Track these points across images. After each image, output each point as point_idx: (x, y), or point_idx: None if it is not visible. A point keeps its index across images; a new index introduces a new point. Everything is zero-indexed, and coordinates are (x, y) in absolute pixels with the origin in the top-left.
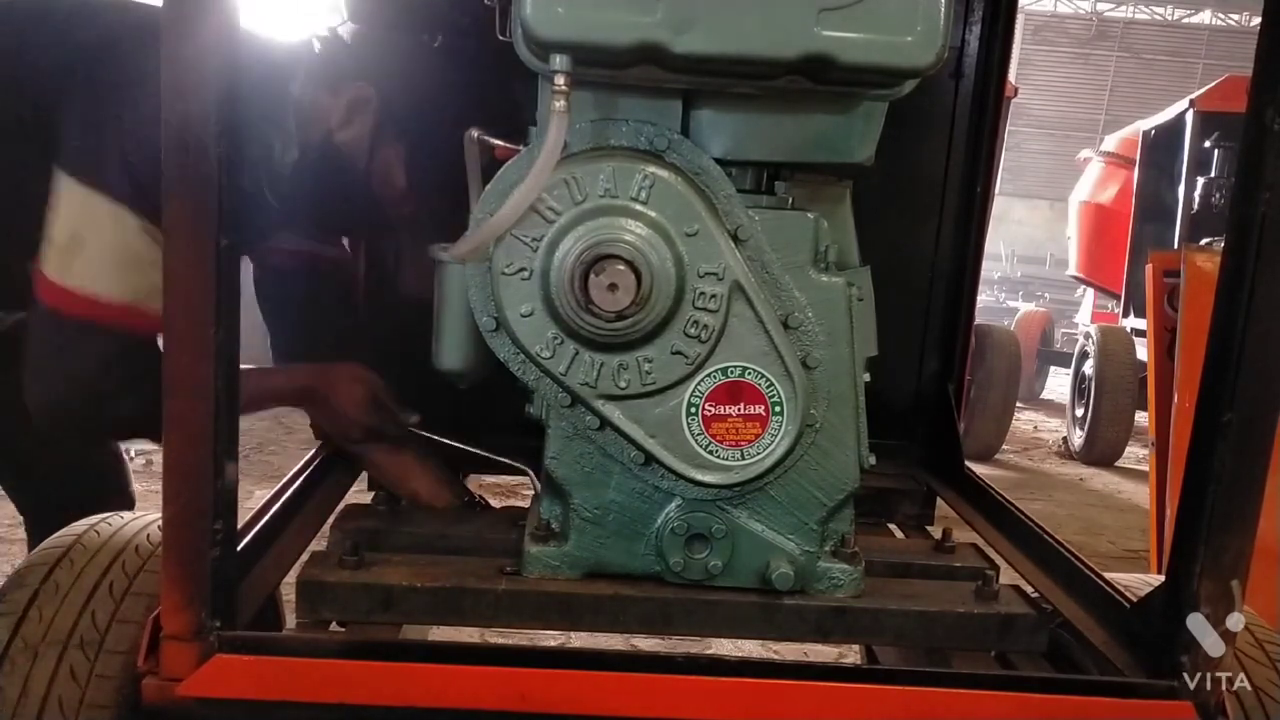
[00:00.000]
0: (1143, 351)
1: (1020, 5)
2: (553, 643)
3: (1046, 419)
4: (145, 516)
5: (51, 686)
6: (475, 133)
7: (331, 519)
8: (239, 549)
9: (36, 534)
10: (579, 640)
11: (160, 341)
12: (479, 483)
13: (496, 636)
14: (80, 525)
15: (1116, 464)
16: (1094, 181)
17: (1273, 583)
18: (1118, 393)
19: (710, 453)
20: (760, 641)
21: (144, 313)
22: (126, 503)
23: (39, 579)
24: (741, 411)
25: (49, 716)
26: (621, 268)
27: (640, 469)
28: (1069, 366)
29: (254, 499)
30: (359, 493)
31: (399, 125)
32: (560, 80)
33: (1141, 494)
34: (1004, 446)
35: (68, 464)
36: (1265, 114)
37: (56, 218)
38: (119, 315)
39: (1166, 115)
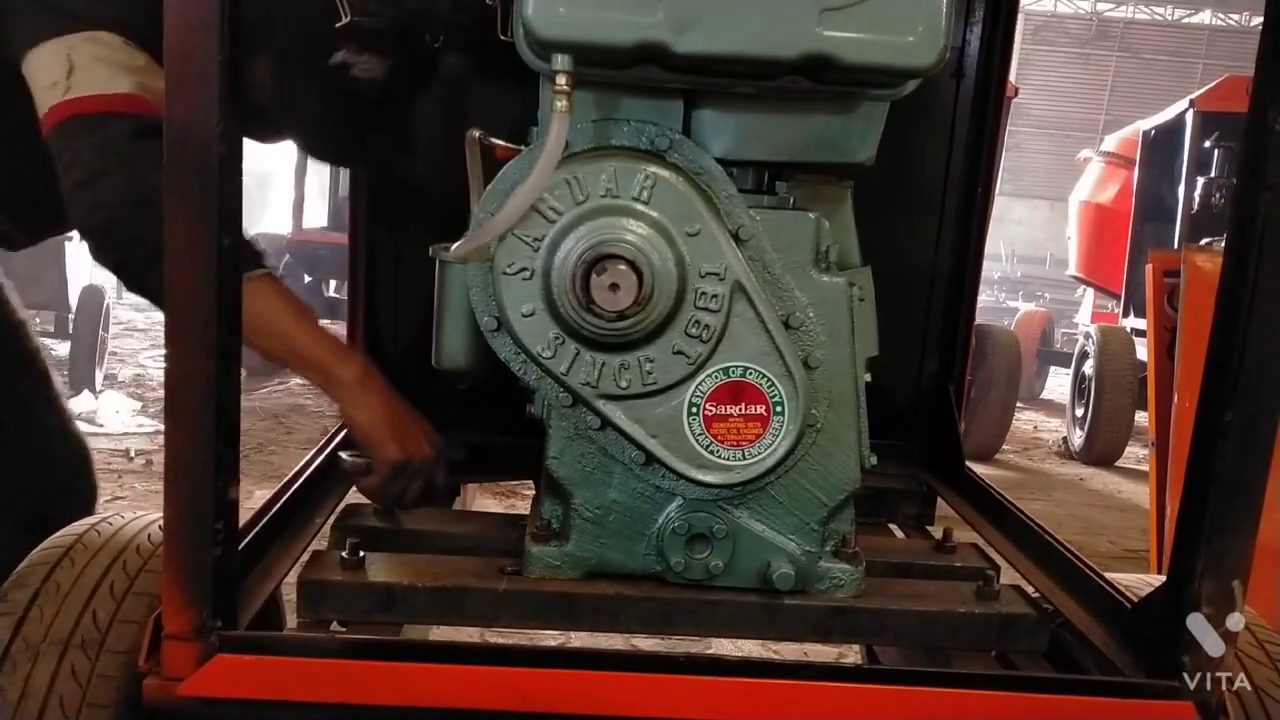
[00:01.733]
0: (1143, 351)
1: (1020, 5)
2: (553, 643)
3: (1046, 419)
4: (146, 516)
5: (53, 686)
6: (476, 133)
7: (332, 519)
8: (240, 549)
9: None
10: (579, 640)
11: None
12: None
13: (497, 637)
14: (81, 525)
15: (1116, 464)
16: (1094, 181)
17: (1273, 583)
18: (1118, 393)
19: (711, 453)
20: (760, 642)
21: (151, 99)
22: (91, 494)
23: (40, 579)
24: (743, 411)
25: (50, 716)
26: (623, 267)
27: (641, 469)
28: (1069, 366)
29: (254, 499)
30: (359, 492)
31: (264, 36)
32: (562, 80)
33: (1141, 494)
34: (1004, 446)
35: (35, 450)
36: (1267, 114)
37: (40, 74)
38: (129, 102)
39: (1166, 115)
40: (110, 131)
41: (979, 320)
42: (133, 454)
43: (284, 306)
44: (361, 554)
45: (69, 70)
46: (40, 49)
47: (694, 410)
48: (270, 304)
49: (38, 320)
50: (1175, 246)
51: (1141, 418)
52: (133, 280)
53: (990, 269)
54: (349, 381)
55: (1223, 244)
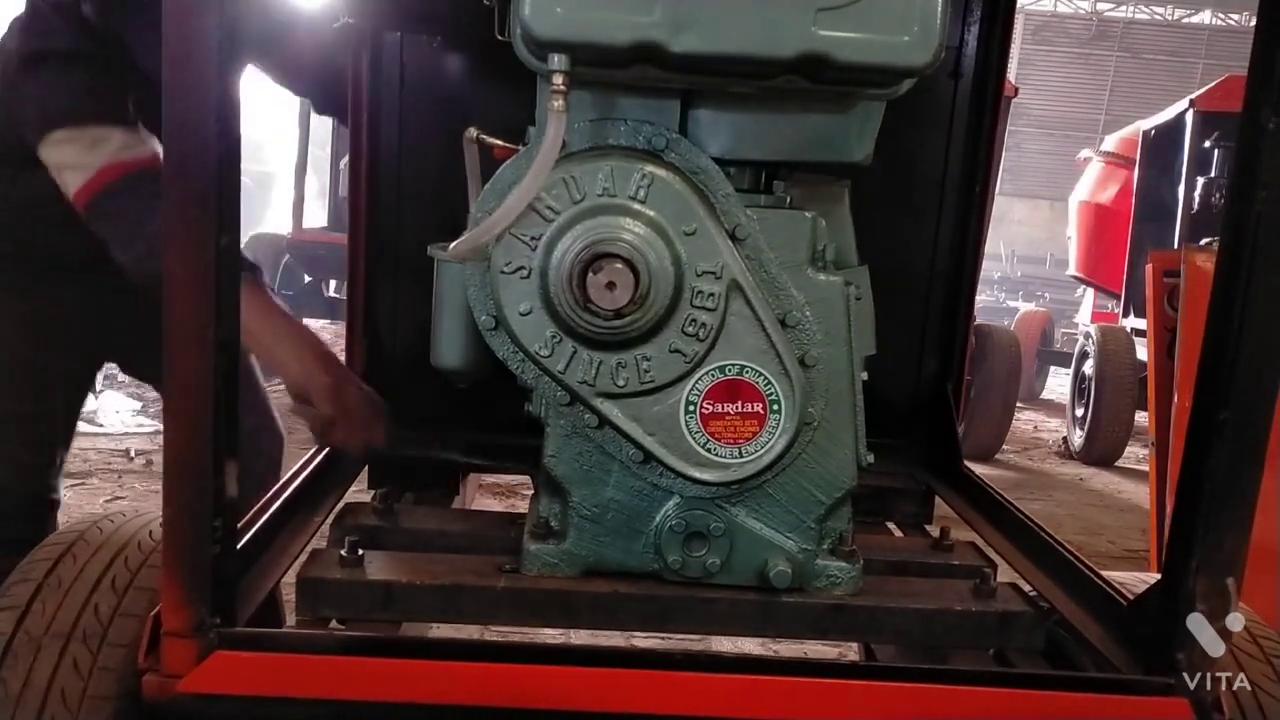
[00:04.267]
0: (1143, 351)
1: (1020, 5)
2: (551, 640)
3: (1046, 419)
4: (147, 514)
5: (54, 678)
6: (474, 132)
7: (330, 517)
8: (239, 547)
9: None
10: (578, 638)
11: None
12: (480, 481)
13: (496, 635)
14: (83, 523)
15: (1116, 464)
16: (1094, 181)
17: (1272, 583)
18: (1118, 393)
19: (708, 450)
20: (759, 640)
21: (120, 161)
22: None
23: (42, 573)
24: (739, 409)
25: (52, 708)
26: (620, 266)
27: (639, 467)
28: (1069, 366)
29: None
30: (358, 491)
31: None
32: (558, 80)
33: (1141, 494)
34: (1004, 446)
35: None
36: (1261, 114)
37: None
38: (110, 171)
39: (1166, 115)
40: (107, 203)
41: (979, 320)
42: (133, 454)
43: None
44: (360, 552)
45: (60, 170)
46: (41, 153)
47: (691, 408)
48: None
49: None
50: (1175, 246)
51: (1141, 418)
52: None
53: (990, 269)
54: (284, 350)
55: None
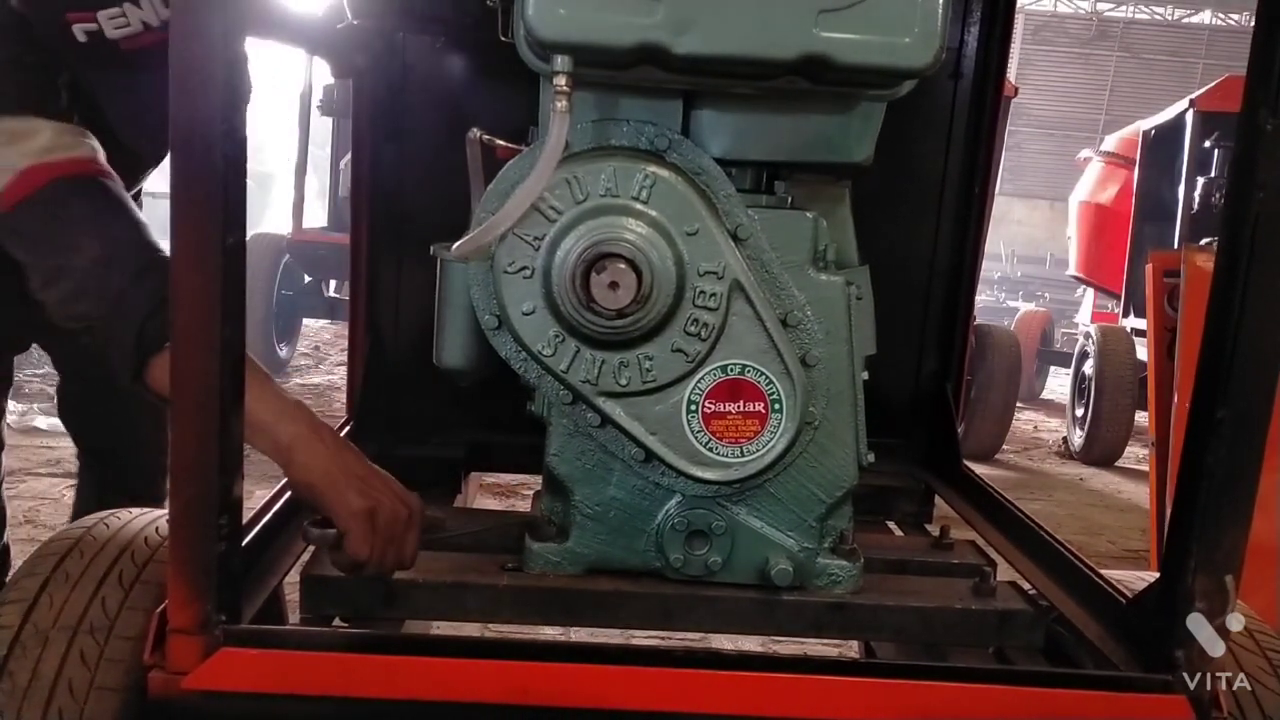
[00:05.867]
0: (1143, 351)
1: (1020, 5)
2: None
3: (1046, 419)
4: (152, 512)
5: (62, 670)
6: (477, 133)
7: None
8: (243, 544)
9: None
10: (577, 636)
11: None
12: (480, 481)
13: (495, 634)
14: (89, 520)
15: (1116, 464)
16: (1094, 181)
17: (1271, 582)
18: (1118, 393)
19: (710, 450)
20: (759, 639)
21: (48, 164)
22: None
23: (49, 568)
24: (741, 409)
25: (59, 699)
26: (622, 266)
27: (641, 466)
28: (1069, 366)
29: (254, 499)
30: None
31: None
32: (562, 81)
33: (1141, 494)
34: (1004, 446)
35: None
36: (1259, 114)
37: None
38: (33, 176)
39: (1166, 115)
40: (28, 219)
41: (979, 320)
42: None
43: None
44: None
45: None
46: None
47: (693, 408)
48: None
49: None
50: (1175, 246)
51: (1141, 418)
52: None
53: (990, 269)
54: (292, 437)
55: None
